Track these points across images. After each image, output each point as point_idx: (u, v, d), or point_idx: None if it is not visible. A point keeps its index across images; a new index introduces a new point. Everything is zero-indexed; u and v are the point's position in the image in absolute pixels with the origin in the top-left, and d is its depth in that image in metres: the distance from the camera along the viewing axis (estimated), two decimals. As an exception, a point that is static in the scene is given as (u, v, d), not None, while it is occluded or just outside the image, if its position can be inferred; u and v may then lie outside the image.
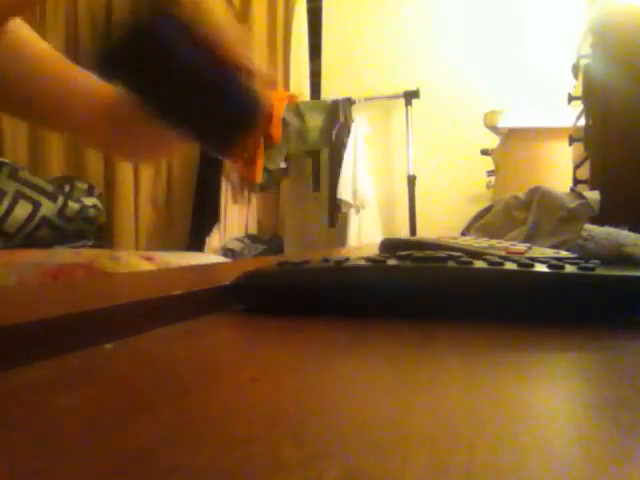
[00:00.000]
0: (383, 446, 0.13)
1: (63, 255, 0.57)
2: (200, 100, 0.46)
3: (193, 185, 3.05)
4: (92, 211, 2.61)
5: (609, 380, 0.19)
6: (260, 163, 2.86)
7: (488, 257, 0.31)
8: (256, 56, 3.06)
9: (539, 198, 0.70)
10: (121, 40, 0.43)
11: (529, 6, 2.83)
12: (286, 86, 3.02)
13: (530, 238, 0.67)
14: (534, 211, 0.70)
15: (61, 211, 2.12)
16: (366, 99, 2.90)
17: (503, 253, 0.41)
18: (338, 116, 2.76)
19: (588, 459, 0.12)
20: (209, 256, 2.08)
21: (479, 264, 0.29)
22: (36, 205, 2.00)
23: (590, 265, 0.29)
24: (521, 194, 0.76)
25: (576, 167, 1.26)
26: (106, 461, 0.12)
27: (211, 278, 0.46)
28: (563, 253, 0.44)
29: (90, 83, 0.57)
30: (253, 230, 3.09)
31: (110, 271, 0.55)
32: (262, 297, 0.32)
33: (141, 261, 0.60)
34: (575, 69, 1.28)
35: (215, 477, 0.11)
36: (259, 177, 2.90)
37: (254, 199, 3.09)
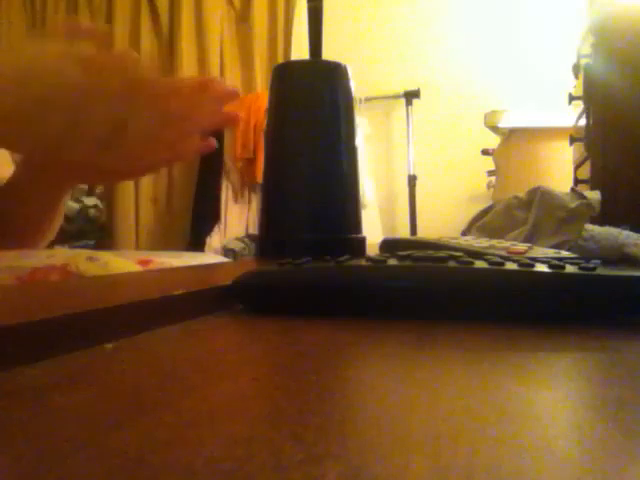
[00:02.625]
0: (384, 446, 0.13)
1: (37, 257, 0.55)
2: None
3: (193, 185, 3.05)
4: (92, 211, 2.61)
5: (609, 380, 0.19)
6: (261, 163, 2.86)
7: (489, 257, 0.31)
8: (256, 56, 3.07)
9: (540, 198, 0.70)
10: None
11: (529, 6, 2.82)
12: (286, 86, 3.02)
13: (531, 238, 0.67)
14: (535, 211, 0.70)
15: (61, 211, 2.13)
16: (367, 99, 2.91)
17: (504, 253, 0.41)
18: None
19: (588, 459, 0.12)
20: (209, 256, 2.08)
21: (480, 264, 0.29)
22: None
23: (591, 265, 0.29)
24: (522, 194, 0.76)
25: (577, 167, 1.26)
26: (106, 461, 0.12)
27: (211, 278, 0.46)
28: (564, 253, 0.44)
29: None
30: (253, 230, 3.09)
31: (86, 274, 0.53)
32: (262, 297, 0.32)
33: (126, 262, 0.58)
34: (576, 69, 1.28)
35: (215, 477, 0.11)
36: (259, 177, 2.89)
37: (254, 199, 3.09)
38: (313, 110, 0.64)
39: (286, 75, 0.67)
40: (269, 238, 0.63)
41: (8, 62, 0.51)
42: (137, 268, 0.59)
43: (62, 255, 0.56)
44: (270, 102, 0.66)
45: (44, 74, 0.50)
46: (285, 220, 0.63)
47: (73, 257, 0.55)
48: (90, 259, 0.55)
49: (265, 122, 0.67)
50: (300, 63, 0.72)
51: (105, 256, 0.57)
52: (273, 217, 0.64)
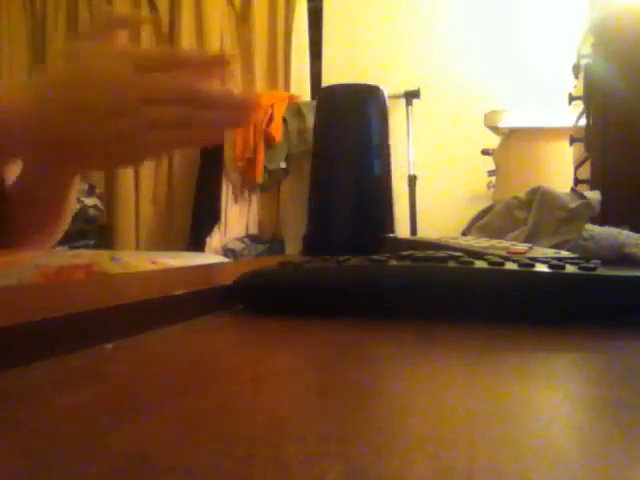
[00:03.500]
0: (384, 446, 0.13)
1: (62, 256, 0.57)
2: None
3: (194, 185, 3.05)
4: (92, 211, 2.61)
5: (609, 380, 0.19)
6: (260, 163, 2.86)
7: (489, 257, 0.31)
8: (256, 56, 3.07)
9: (540, 198, 0.70)
10: None
11: (529, 6, 2.82)
12: (286, 86, 3.02)
13: (531, 238, 0.67)
14: (535, 211, 0.70)
15: (62, 211, 2.13)
16: (367, 99, 2.90)
17: (504, 253, 0.41)
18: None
19: (588, 460, 0.12)
20: (209, 256, 2.08)
21: (480, 264, 0.29)
22: (37, 205, 2.00)
23: (591, 265, 0.29)
24: (522, 194, 0.76)
25: (577, 167, 1.26)
26: (106, 461, 0.12)
27: (211, 278, 0.46)
28: (564, 253, 0.44)
29: None
30: (253, 230, 3.10)
31: (110, 273, 0.55)
32: (262, 297, 0.32)
33: (143, 263, 0.60)
34: (576, 69, 1.28)
35: (215, 477, 0.11)
36: (259, 177, 2.90)
37: (254, 199, 3.10)
38: (355, 128, 0.76)
39: (332, 96, 0.78)
40: (315, 238, 0.71)
41: (62, 69, 0.56)
42: (152, 267, 0.61)
43: (86, 255, 0.58)
44: (317, 119, 0.79)
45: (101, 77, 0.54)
46: (329, 222, 0.74)
47: (97, 257, 0.57)
48: (113, 259, 0.57)
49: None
50: (344, 86, 0.82)
51: (124, 257, 0.59)
52: (319, 220, 0.75)
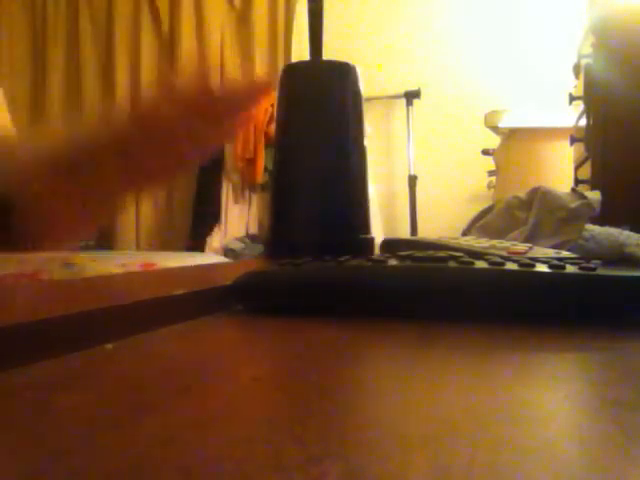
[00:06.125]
0: (384, 446, 0.13)
1: (7, 263, 0.53)
2: None
3: (194, 185, 3.05)
4: (93, 211, 2.60)
5: (610, 381, 0.19)
6: (261, 163, 2.86)
7: (489, 257, 0.31)
8: (256, 56, 3.07)
9: (540, 198, 0.70)
10: None
11: (530, 6, 2.82)
12: (287, 86, 3.02)
13: (531, 238, 0.67)
14: (535, 211, 0.70)
15: (62, 211, 2.13)
16: (367, 99, 2.90)
17: (504, 253, 0.41)
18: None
19: (589, 460, 0.12)
20: (210, 256, 2.08)
21: (480, 264, 0.29)
22: (37, 205, 2.00)
23: (591, 265, 0.29)
24: (522, 194, 0.76)
25: (577, 167, 1.26)
26: (106, 461, 0.12)
27: (211, 278, 0.46)
28: (564, 253, 0.44)
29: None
30: (254, 230, 3.09)
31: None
32: (262, 297, 0.32)
33: (105, 267, 0.56)
34: (576, 69, 1.28)
35: (215, 477, 0.11)
36: (260, 177, 2.90)
37: (255, 199, 3.09)
38: (323, 110, 0.64)
39: (295, 76, 0.67)
40: (279, 240, 0.63)
41: None
42: (118, 271, 0.58)
43: (34, 262, 0.54)
44: (279, 103, 0.65)
45: None
46: (295, 222, 0.62)
47: (47, 263, 0.53)
48: (66, 265, 0.54)
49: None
50: (309, 63, 0.71)
51: (83, 261, 0.55)
52: (283, 219, 0.64)
